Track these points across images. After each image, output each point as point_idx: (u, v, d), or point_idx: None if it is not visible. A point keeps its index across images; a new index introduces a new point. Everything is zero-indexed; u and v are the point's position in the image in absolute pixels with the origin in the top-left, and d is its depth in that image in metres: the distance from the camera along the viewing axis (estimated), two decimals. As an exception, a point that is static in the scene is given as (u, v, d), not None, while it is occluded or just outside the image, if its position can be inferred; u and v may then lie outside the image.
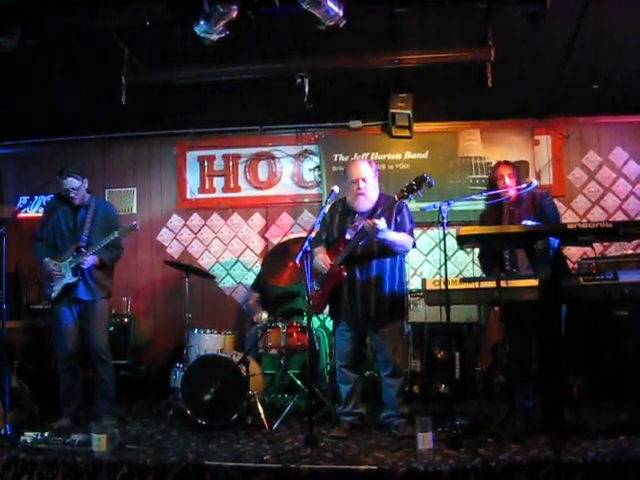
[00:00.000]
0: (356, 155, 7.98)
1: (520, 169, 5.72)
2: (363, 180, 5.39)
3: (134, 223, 6.03)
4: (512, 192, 5.40)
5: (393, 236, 5.25)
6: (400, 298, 5.49)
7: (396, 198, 5.17)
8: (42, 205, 8.18)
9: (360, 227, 5.23)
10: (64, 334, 5.97)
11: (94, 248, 5.88)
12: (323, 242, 5.60)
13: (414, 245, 5.53)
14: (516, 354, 5.42)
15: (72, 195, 6.01)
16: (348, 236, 5.35)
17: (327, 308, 5.66)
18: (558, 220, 5.58)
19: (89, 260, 5.88)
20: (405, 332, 6.44)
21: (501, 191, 5.47)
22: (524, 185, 5.37)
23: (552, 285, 4.71)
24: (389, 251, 5.36)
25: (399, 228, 5.37)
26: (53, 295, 5.95)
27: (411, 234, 5.45)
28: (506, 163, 5.67)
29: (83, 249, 5.91)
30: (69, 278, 5.90)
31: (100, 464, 4.53)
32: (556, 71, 6.65)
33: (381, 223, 5.07)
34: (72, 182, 5.98)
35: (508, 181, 5.45)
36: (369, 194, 5.42)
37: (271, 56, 6.39)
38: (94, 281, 6.01)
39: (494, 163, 7.58)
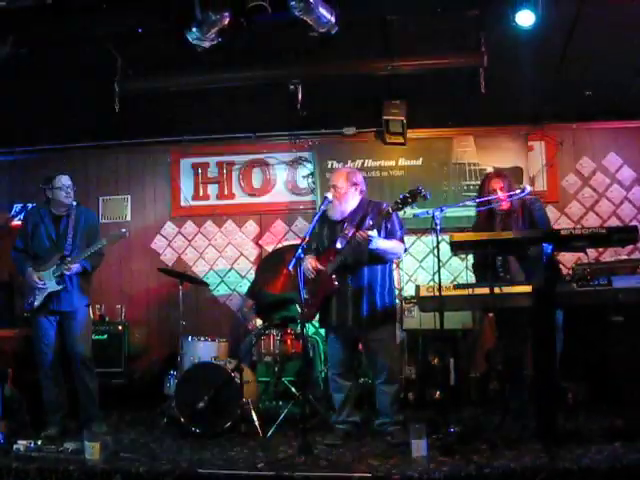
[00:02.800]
0: (350, 162, 7.97)
1: (511, 178, 5.68)
2: (333, 187, 5.44)
3: (123, 231, 5.99)
4: (504, 204, 5.40)
5: (385, 245, 5.26)
6: (391, 304, 5.48)
7: (390, 210, 5.16)
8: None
9: (350, 236, 5.24)
10: (46, 344, 5.88)
11: (80, 256, 5.82)
12: (313, 251, 5.59)
13: (405, 250, 5.55)
14: (509, 360, 5.42)
15: (69, 192, 5.94)
16: (339, 245, 5.34)
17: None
18: (547, 224, 5.56)
19: (74, 268, 5.81)
20: (399, 339, 6.45)
21: (487, 198, 5.46)
22: (518, 191, 5.37)
23: (545, 291, 4.70)
24: (380, 259, 5.36)
25: (389, 235, 5.37)
26: (36, 304, 5.83)
27: (402, 240, 5.45)
28: (497, 175, 5.65)
29: (68, 258, 5.83)
30: (53, 286, 5.80)
31: (93, 472, 4.51)
32: (549, 77, 6.66)
33: (373, 234, 5.08)
34: (68, 180, 5.96)
35: (500, 194, 5.43)
36: (338, 202, 5.43)
37: (264, 63, 6.41)
38: (78, 289, 5.94)
39: (488, 169, 7.69)
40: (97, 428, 5.69)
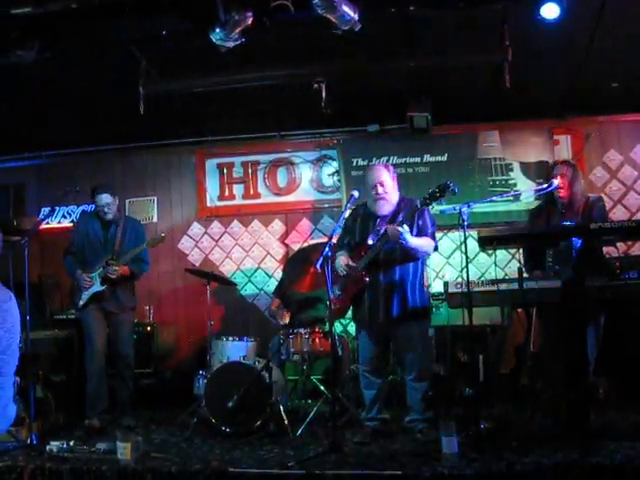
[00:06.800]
0: (375, 159, 7.93)
1: (578, 170, 5.58)
2: (381, 184, 5.39)
3: (162, 235, 6.44)
4: (563, 192, 5.34)
5: (415, 242, 5.22)
6: (422, 301, 5.46)
7: (419, 205, 5.14)
8: (64, 217, 8.42)
9: (382, 232, 5.22)
10: (93, 337, 6.19)
11: (123, 259, 6.18)
12: (345, 246, 5.58)
13: (436, 248, 5.53)
14: (545, 355, 5.37)
15: (106, 211, 6.28)
16: (370, 241, 5.33)
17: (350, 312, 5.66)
18: None
19: (119, 270, 6.14)
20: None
21: (538, 187, 5.43)
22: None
23: (576, 286, 4.66)
24: (411, 255, 5.33)
25: (421, 232, 5.35)
26: (81, 303, 6.20)
27: (433, 238, 5.43)
28: (564, 162, 5.59)
29: (112, 261, 6.15)
30: (97, 287, 6.16)
31: (125, 472, 4.55)
32: (574, 70, 6.61)
33: (404, 229, 5.06)
34: (107, 198, 6.28)
35: (559, 181, 5.36)
36: (389, 197, 5.41)
37: (287, 62, 6.39)
38: (124, 292, 6.32)
39: (513, 164, 7.65)
40: (129, 421, 6.05)
